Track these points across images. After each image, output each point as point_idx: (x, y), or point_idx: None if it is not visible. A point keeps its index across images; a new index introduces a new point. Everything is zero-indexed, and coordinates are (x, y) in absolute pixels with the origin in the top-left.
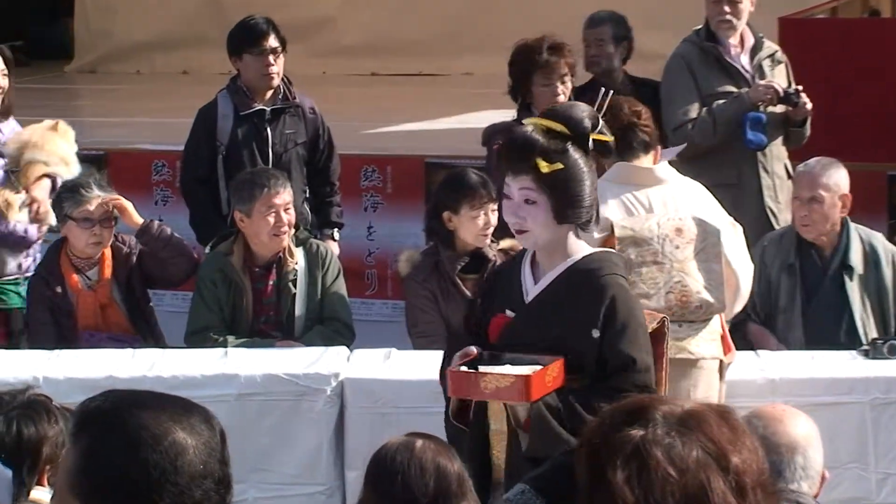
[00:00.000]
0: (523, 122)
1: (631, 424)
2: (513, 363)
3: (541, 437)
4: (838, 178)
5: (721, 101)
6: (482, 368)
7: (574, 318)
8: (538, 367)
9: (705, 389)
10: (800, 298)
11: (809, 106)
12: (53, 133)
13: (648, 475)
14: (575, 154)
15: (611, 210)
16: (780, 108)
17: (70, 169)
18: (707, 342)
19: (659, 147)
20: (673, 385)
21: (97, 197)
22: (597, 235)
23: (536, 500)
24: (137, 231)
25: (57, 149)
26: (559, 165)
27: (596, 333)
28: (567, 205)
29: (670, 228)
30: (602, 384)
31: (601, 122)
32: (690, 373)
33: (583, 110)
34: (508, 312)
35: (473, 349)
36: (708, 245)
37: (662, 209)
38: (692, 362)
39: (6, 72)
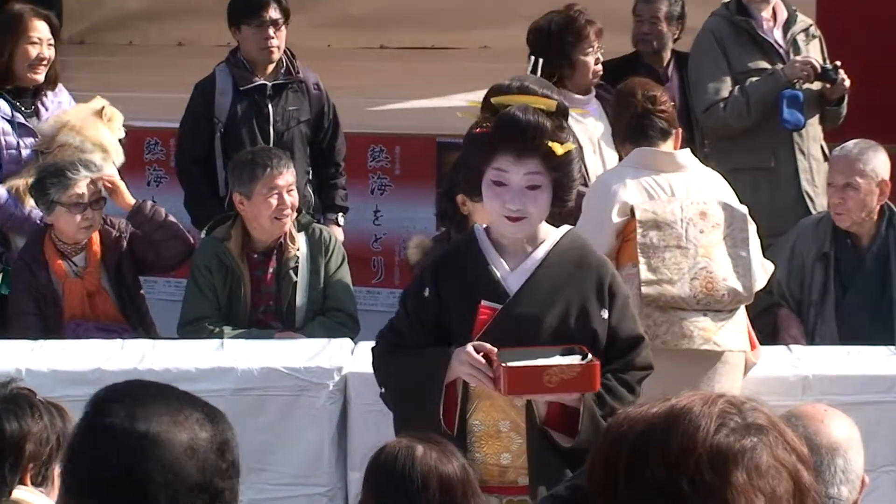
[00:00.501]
0: (493, 101)
1: (720, 430)
2: (529, 357)
3: (591, 428)
4: (876, 163)
5: (755, 79)
6: (540, 362)
7: (576, 302)
8: (579, 357)
9: (726, 386)
10: (833, 290)
11: (848, 83)
12: (96, 118)
13: (764, 476)
14: (570, 133)
15: (630, 193)
16: (816, 86)
17: (108, 157)
18: (734, 334)
19: (679, 130)
20: (693, 379)
21: (85, 178)
22: (616, 220)
23: None
24: (129, 212)
25: (96, 134)
26: (572, 145)
27: (605, 314)
28: (568, 187)
29: (694, 212)
30: (613, 366)
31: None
32: (714, 367)
33: (549, 86)
34: (486, 303)
35: (488, 346)
36: (735, 230)
37: (685, 195)
38: (717, 355)
39: (52, 41)
